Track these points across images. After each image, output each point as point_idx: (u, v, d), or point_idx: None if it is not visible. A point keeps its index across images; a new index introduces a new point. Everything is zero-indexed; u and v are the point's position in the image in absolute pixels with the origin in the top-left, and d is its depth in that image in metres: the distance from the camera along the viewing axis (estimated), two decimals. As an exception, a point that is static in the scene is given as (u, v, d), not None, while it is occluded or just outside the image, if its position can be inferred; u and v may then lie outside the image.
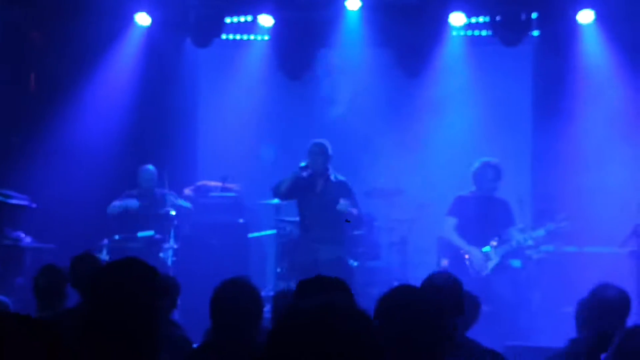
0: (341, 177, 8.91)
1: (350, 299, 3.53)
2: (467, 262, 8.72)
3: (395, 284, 8.65)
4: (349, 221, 9.54)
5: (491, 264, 8.67)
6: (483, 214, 8.79)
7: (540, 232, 8.85)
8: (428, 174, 10.90)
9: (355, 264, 9.78)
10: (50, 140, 10.31)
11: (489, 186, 8.91)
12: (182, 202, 10.00)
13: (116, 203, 9.83)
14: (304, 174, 8.72)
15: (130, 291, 3.03)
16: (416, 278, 9.44)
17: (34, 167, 10.22)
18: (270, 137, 11.76)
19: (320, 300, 2.03)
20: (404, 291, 3.31)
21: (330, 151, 8.84)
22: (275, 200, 9.64)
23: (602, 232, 9.29)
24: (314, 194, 8.76)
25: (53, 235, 9.60)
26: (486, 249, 8.79)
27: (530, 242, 8.85)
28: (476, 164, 9.00)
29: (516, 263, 9.04)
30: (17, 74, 10.08)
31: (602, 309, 4.78)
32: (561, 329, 5.60)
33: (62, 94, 10.43)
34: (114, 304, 3.00)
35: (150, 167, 10.08)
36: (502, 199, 9.00)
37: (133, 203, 9.81)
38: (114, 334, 2.96)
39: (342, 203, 8.58)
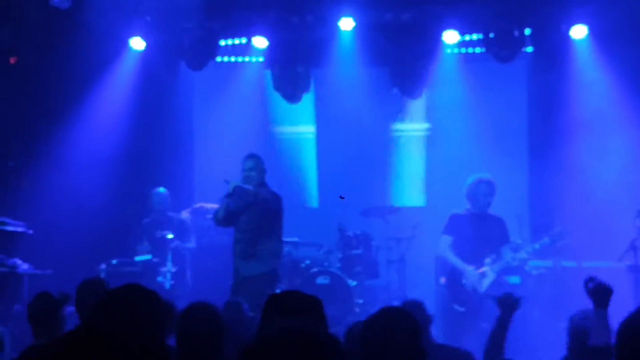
0: (272, 192, 8.23)
1: (321, 321, 3.54)
2: (464, 280, 8.70)
3: (395, 302, 8.67)
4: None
5: (487, 282, 8.65)
6: (478, 232, 8.77)
7: (536, 246, 8.83)
8: (424, 191, 10.90)
9: (354, 283, 9.77)
10: (47, 165, 10.31)
11: (483, 201, 8.88)
12: (189, 244, 9.98)
13: (139, 251, 9.85)
14: (237, 190, 8.06)
15: (134, 318, 3.07)
16: (415, 296, 9.44)
17: (30, 193, 10.22)
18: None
19: (291, 327, 2.03)
20: (385, 315, 3.53)
21: (264, 165, 8.27)
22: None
23: (601, 246, 9.27)
24: (244, 209, 8.13)
25: (50, 261, 9.57)
26: (486, 266, 8.77)
27: (524, 255, 8.81)
28: (469, 181, 9.00)
29: (515, 279, 9.02)
30: (11, 98, 10.08)
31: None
32: (560, 344, 5.58)
33: (58, 118, 10.46)
34: (118, 331, 3.03)
35: (162, 189, 10.12)
36: (497, 216, 8.98)
37: (145, 248, 9.82)
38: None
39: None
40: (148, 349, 3.06)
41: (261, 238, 8.14)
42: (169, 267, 9.50)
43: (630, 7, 9.70)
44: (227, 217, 8.23)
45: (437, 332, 8.93)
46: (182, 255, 9.84)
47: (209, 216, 10.51)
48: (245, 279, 7.94)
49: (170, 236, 9.64)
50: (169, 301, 6.10)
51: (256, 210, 8.08)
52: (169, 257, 9.53)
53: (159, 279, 9.46)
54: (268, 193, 8.17)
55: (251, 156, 8.29)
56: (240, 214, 8.19)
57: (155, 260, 9.60)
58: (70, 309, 5.88)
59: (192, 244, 9.97)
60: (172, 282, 9.45)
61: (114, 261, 9.57)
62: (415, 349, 3.37)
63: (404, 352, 3.35)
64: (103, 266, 9.40)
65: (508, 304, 5.08)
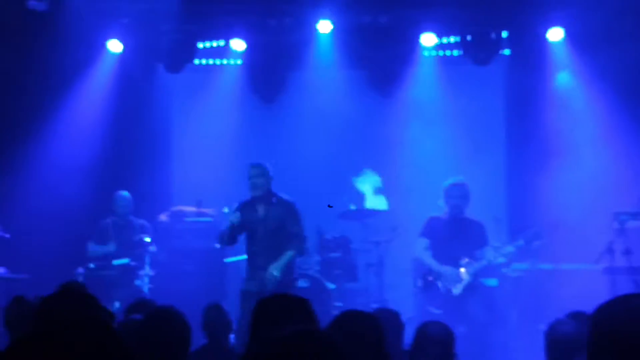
0: (286, 198, 8.33)
1: (313, 322, 3.53)
2: (439, 283, 8.71)
3: (374, 305, 8.68)
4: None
5: (462, 284, 8.66)
6: (455, 235, 8.79)
7: (510, 248, 8.84)
8: (403, 195, 10.91)
9: (333, 286, 9.76)
10: (23, 168, 10.25)
11: (454, 204, 8.90)
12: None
13: (92, 248, 9.75)
14: (247, 200, 8.20)
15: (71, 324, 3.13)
16: (393, 299, 9.50)
17: (7, 197, 10.15)
18: (245, 160, 11.69)
19: (294, 329, 2.04)
20: (349, 317, 3.57)
21: (271, 172, 8.28)
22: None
23: (578, 249, 9.32)
24: (258, 220, 8.20)
25: (27, 265, 9.51)
26: (461, 268, 8.78)
27: (501, 260, 8.83)
28: (444, 184, 9.04)
29: (492, 282, 9.04)
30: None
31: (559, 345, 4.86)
32: (538, 347, 5.60)
33: (34, 121, 10.39)
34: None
35: (125, 193, 10.04)
36: (476, 220, 9.00)
37: (109, 248, 9.74)
38: None
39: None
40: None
41: (281, 246, 8.15)
42: (147, 271, 9.45)
43: (606, 10, 9.76)
44: (232, 237, 8.22)
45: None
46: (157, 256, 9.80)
47: (188, 219, 10.50)
48: (274, 288, 7.73)
49: (147, 239, 9.59)
50: (152, 302, 6.10)
51: (275, 220, 8.16)
52: (147, 260, 9.48)
53: (137, 282, 9.42)
54: (277, 203, 8.22)
55: (256, 164, 8.29)
56: (244, 225, 8.21)
57: (132, 264, 9.55)
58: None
59: (153, 247, 9.89)
60: (150, 285, 9.41)
61: (92, 265, 9.51)
62: (379, 353, 3.36)
63: (368, 356, 3.33)
64: (80, 270, 9.33)
65: None
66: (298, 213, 8.26)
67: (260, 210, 8.21)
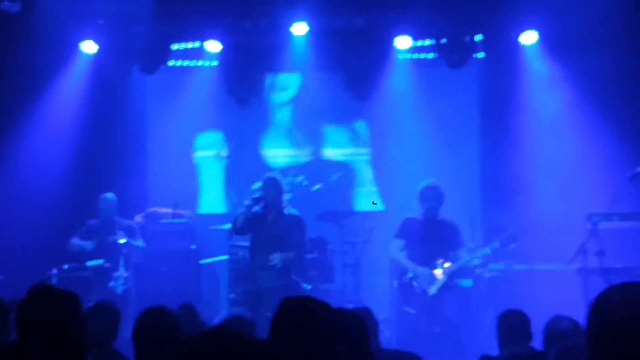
0: (294, 212, 8.81)
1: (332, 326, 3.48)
2: (415, 284, 8.76)
3: (350, 306, 8.72)
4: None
5: (438, 284, 8.72)
6: (429, 236, 8.85)
7: (486, 250, 8.93)
8: (379, 196, 10.96)
9: (309, 287, 9.77)
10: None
11: (428, 206, 8.98)
12: (138, 242, 9.86)
13: (75, 242, 9.71)
14: (257, 207, 8.57)
15: (51, 321, 3.18)
16: (370, 300, 9.53)
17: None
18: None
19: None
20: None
21: (282, 184, 8.72)
22: (227, 226, 9.62)
23: (551, 249, 9.41)
24: (265, 225, 8.62)
25: (1, 266, 9.44)
26: (437, 269, 8.84)
27: (477, 261, 8.90)
28: (419, 186, 9.10)
29: (468, 282, 9.11)
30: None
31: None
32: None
33: (7, 123, 10.32)
34: (38, 334, 3.11)
35: (109, 195, 9.98)
36: (450, 221, 9.07)
37: (88, 245, 9.69)
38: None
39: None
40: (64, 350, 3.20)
41: (282, 252, 8.55)
42: (122, 272, 9.41)
43: (580, 14, 9.85)
44: (244, 227, 8.62)
45: (390, 335, 9.02)
46: (131, 258, 9.77)
47: (163, 220, 10.47)
48: (270, 289, 8.30)
49: (122, 241, 9.55)
50: (114, 305, 6.07)
51: (281, 228, 8.56)
52: (122, 262, 9.44)
53: (111, 284, 9.37)
54: (287, 215, 8.65)
55: (269, 177, 8.75)
56: (253, 224, 8.59)
57: (107, 265, 9.51)
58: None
59: (140, 243, 9.88)
60: (125, 287, 9.37)
61: (66, 266, 9.45)
62: (363, 351, 3.35)
63: (352, 355, 3.31)
64: (54, 271, 9.28)
65: None
66: (305, 227, 8.74)
67: (270, 217, 8.62)
